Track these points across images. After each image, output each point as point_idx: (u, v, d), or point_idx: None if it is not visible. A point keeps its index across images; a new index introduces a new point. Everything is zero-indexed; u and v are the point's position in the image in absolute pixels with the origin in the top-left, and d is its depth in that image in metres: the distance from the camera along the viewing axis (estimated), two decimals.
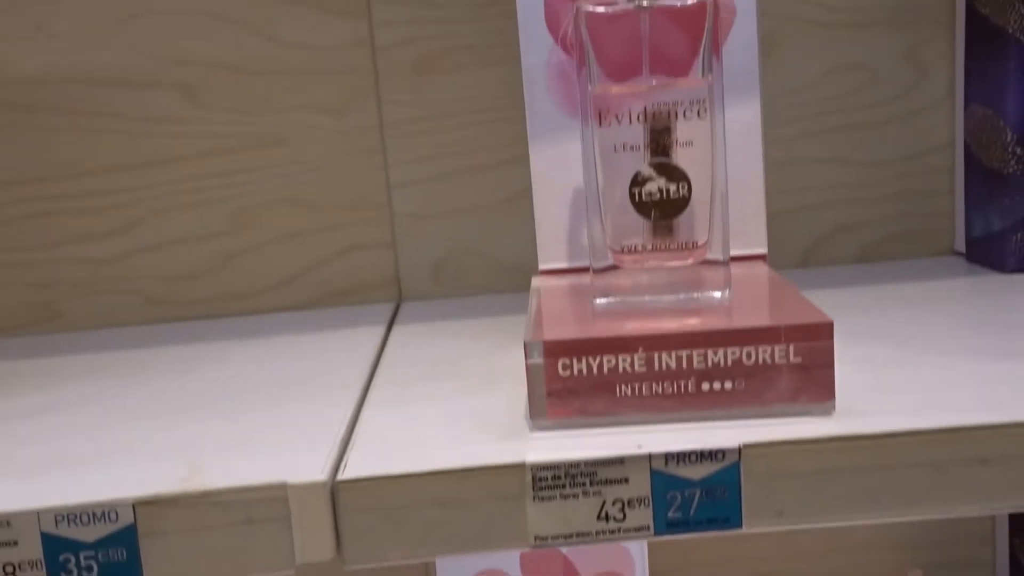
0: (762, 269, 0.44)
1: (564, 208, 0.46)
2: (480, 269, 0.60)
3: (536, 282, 0.45)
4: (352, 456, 0.34)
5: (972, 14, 0.54)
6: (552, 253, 0.46)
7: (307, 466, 0.33)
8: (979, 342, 0.41)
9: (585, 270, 0.45)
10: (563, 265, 0.46)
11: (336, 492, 0.33)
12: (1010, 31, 0.51)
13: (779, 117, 0.58)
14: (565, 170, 0.46)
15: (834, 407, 0.34)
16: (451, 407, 0.39)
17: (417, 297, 0.60)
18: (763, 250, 0.45)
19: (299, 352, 0.50)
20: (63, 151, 0.58)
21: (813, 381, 0.34)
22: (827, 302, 0.37)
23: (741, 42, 0.44)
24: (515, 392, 0.40)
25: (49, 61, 0.57)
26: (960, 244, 0.58)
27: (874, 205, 0.59)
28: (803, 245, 0.60)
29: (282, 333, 0.54)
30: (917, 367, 0.39)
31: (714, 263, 0.39)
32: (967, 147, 0.55)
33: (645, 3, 0.37)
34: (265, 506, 0.32)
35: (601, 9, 0.37)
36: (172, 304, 0.60)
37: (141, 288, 0.60)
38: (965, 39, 0.55)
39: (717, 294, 0.38)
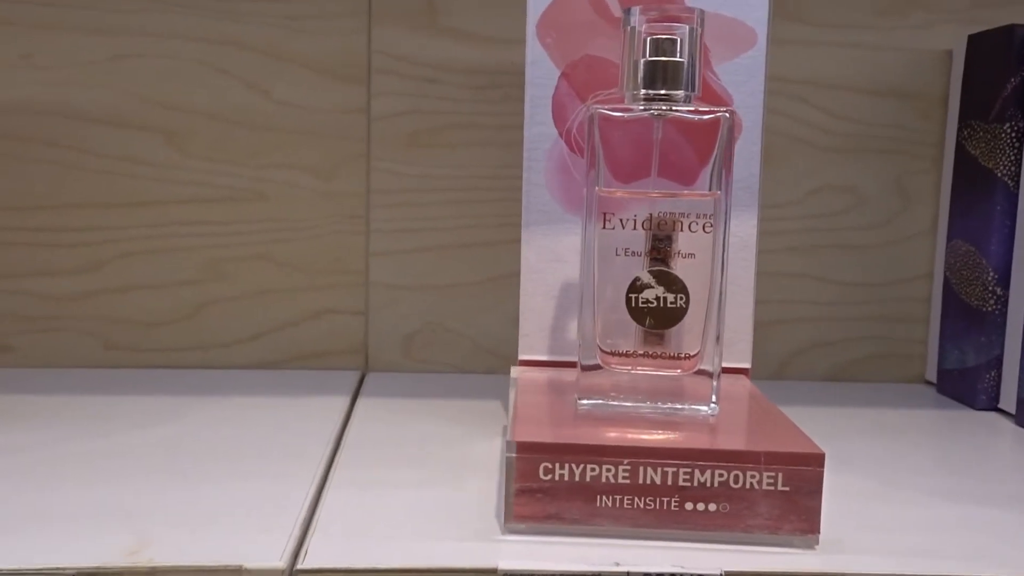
0: (745, 385, 0.43)
1: (551, 300, 0.45)
2: (451, 347, 0.59)
3: (515, 372, 0.44)
4: (313, 543, 0.32)
5: (961, 153, 0.55)
6: (534, 344, 0.45)
7: (265, 550, 0.31)
8: (960, 484, 0.41)
9: (565, 365, 0.45)
10: (543, 357, 0.45)
11: None
12: (998, 175, 0.52)
13: (764, 229, 0.58)
14: (556, 263, 0.45)
15: (818, 540, 0.33)
16: (419, 497, 0.37)
17: (383, 368, 0.59)
18: (747, 364, 0.45)
19: (260, 416, 0.48)
20: (35, 182, 0.56)
21: (798, 512, 0.33)
22: (802, 421, 0.36)
23: (744, 158, 0.44)
24: (486, 486, 0.38)
25: (32, 91, 0.56)
26: (931, 374, 0.58)
27: (850, 326, 0.59)
28: (778, 358, 0.59)
29: (243, 392, 0.52)
30: (899, 505, 0.38)
31: (704, 374, 0.38)
32: (947, 280, 0.56)
33: (660, 112, 0.37)
34: None
35: (616, 114, 0.37)
36: (130, 350, 0.57)
37: (99, 330, 0.57)
38: (953, 176, 0.56)
39: (704, 409, 0.38)
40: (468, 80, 0.57)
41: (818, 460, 0.33)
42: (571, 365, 0.44)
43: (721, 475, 0.33)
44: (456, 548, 0.32)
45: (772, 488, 0.33)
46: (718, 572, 0.31)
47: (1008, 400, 0.52)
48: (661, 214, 0.37)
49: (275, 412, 0.49)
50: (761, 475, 0.33)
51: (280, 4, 0.56)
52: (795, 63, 0.57)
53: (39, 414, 0.47)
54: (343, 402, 0.51)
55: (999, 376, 0.53)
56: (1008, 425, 0.51)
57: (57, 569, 0.30)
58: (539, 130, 0.45)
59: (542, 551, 0.32)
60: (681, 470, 0.33)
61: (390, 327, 0.58)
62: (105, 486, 0.37)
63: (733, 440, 0.35)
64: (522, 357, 0.45)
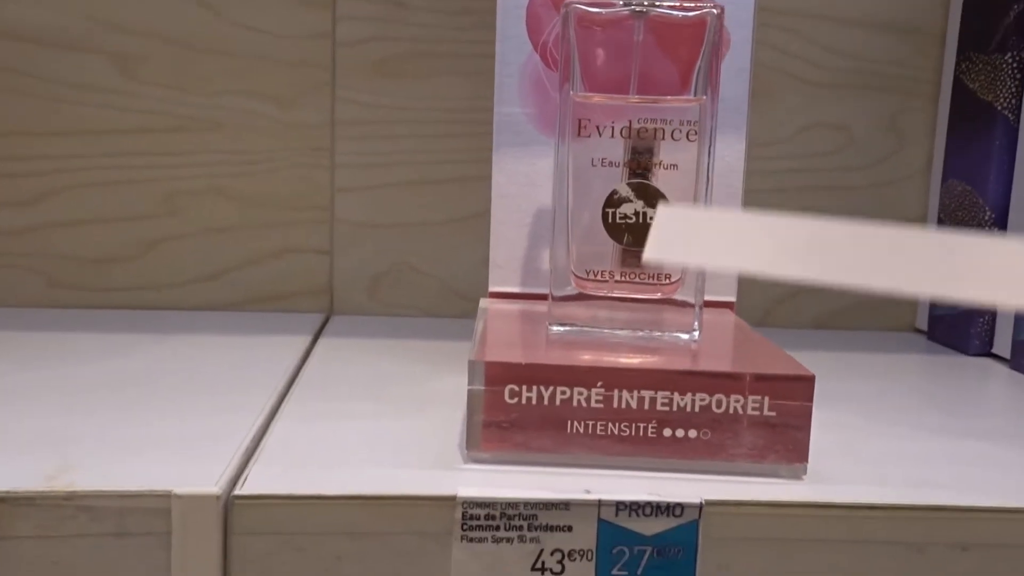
0: (730, 318, 0.40)
1: (523, 228, 0.42)
2: (422, 290, 0.56)
3: (484, 303, 0.41)
4: (255, 470, 0.29)
5: (959, 87, 0.52)
6: (505, 275, 0.42)
7: (199, 475, 0.28)
8: (950, 421, 0.38)
9: (537, 297, 0.42)
10: (515, 289, 0.42)
11: (230, 509, 0.28)
12: (998, 107, 0.49)
13: (750, 168, 0.55)
14: (529, 187, 0.42)
15: (805, 470, 0.31)
16: (376, 428, 0.34)
17: (350, 311, 0.55)
18: (731, 298, 0.42)
19: (212, 353, 0.45)
20: None
21: (786, 439, 0.30)
22: None
23: (732, 75, 0.41)
24: (450, 419, 0.35)
25: None
26: (922, 321, 0.56)
27: None
28: (763, 305, 0.57)
29: (196, 332, 0.49)
30: (889, 439, 0.35)
31: (684, 304, 0.35)
32: (940, 223, 0.54)
33: (642, 8, 0.34)
34: (142, 517, 0.27)
35: (594, 10, 0.34)
36: (77, 289, 0.54)
37: (43, 268, 0.54)
38: (949, 112, 0.53)
39: (684, 336, 0.35)
40: (440, 4, 0.54)
41: (807, 383, 0.30)
42: (545, 298, 0.41)
43: (703, 399, 0.30)
44: (412, 476, 0.30)
45: (758, 413, 0.30)
46: (697, 501, 0.29)
47: (1002, 344, 0.49)
48: (642, 121, 0.34)
49: (228, 350, 0.46)
50: (746, 400, 0.30)
51: None
52: None
53: None
54: (303, 341, 0.48)
55: (992, 320, 0.50)
56: (1002, 369, 0.48)
57: None
58: (512, 43, 0.41)
59: (506, 479, 0.29)
60: (660, 394, 0.30)
61: (356, 267, 0.55)
62: (38, 416, 0.34)
63: (716, 363, 0.32)
64: (493, 289, 0.42)
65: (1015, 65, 0.48)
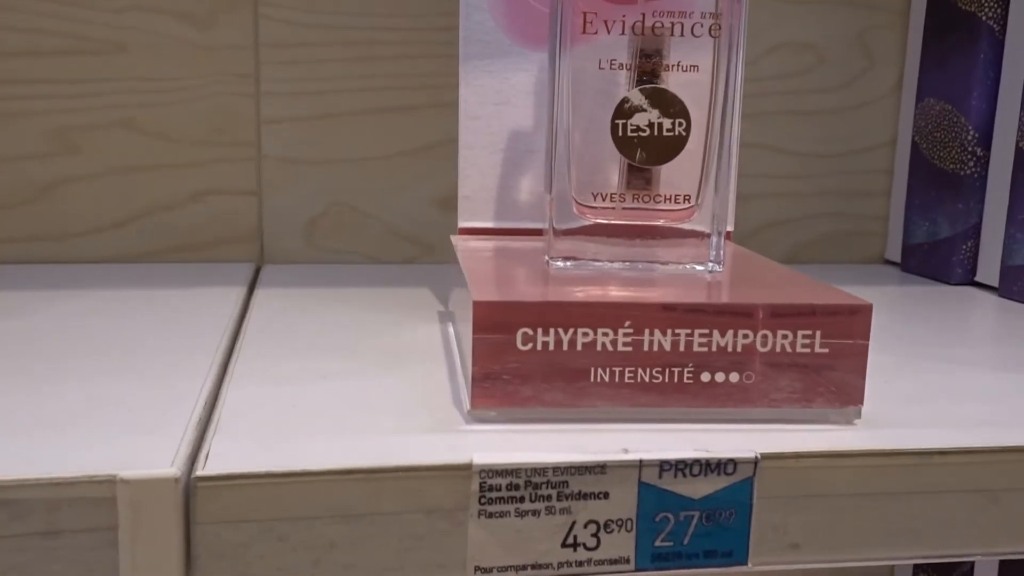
0: (733, 248, 0.36)
1: (496, 154, 0.37)
2: (364, 233, 0.50)
3: (457, 241, 0.36)
4: (216, 443, 0.24)
5: None
6: (476, 208, 0.37)
7: (149, 454, 0.23)
8: (977, 354, 0.35)
9: (516, 232, 0.37)
10: (489, 224, 0.37)
11: (192, 494, 0.22)
12: (982, 18, 0.46)
13: None
14: (503, 106, 0.37)
15: (859, 414, 0.27)
16: (350, 387, 0.29)
17: (282, 259, 0.49)
18: (729, 227, 0.38)
19: (130, 310, 0.38)
20: None
21: (838, 380, 0.27)
22: None
23: None
24: (433, 373, 0.30)
25: None
26: (893, 252, 0.53)
27: (804, 202, 0.54)
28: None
29: (106, 287, 0.42)
30: (929, 376, 0.32)
31: (701, 235, 0.31)
32: (915, 146, 0.51)
33: None
34: (79, 511, 0.21)
35: None
36: None
37: None
38: (924, 26, 0.50)
39: (700, 267, 0.31)
40: None
41: (864, 314, 0.26)
42: (524, 232, 0.37)
43: (746, 337, 0.26)
44: (412, 443, 0.24)
45: (808, 351, 0.26)
46: (752, 455, 0.24)
47: (987, 272, 0.47)
48: (655, 15, 0.29)
49: (149, 305, 0.39)
50: (795, 335, 0.26)
51: None
52: None
53: None
54: (237, 293, 0.42)
55: (976, 247, 0.48)
56: (990, 297, 0.46)
57: None
58: None
59: (526, 441, 0.25)
60: (697, 333, 0.26)
61: (289, 210, 0.49)
62: None
63: (759, 296, 0.28)
64: (463, 224, 0.37)
65: None
